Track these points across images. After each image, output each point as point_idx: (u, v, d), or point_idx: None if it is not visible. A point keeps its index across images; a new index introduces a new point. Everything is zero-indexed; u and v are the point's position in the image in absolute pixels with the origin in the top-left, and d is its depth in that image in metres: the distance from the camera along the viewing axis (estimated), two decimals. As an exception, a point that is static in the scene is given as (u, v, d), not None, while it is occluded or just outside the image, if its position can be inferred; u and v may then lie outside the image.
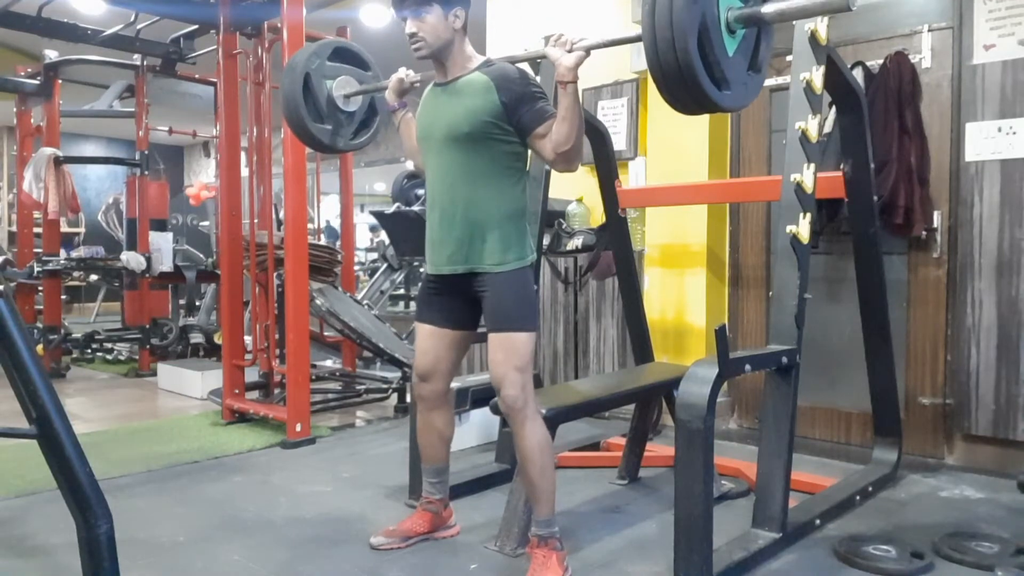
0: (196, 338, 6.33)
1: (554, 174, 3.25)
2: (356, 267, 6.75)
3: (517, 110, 2.16)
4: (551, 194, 3.37)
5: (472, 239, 2.24)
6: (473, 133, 2.20)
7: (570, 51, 2.03)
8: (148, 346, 6.02)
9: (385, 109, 2.63)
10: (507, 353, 2.19)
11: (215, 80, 5.09)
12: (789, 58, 2.89)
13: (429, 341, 2.42)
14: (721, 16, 1.75)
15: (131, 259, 5.91)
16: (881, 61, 3.47)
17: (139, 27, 5.33)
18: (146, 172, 6.22)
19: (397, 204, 5.62)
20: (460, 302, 2.35)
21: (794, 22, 2.70)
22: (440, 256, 2.31)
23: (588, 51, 2.04)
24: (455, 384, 3.47)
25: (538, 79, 2.35)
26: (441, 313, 2.40)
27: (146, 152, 6.19)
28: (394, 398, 4.69)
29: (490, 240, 2.23)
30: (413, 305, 8.92)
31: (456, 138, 2.23)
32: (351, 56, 2.76)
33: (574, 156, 2.15)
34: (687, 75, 1.70)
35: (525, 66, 2.36)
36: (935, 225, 3.42)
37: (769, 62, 1.94)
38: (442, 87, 2.31)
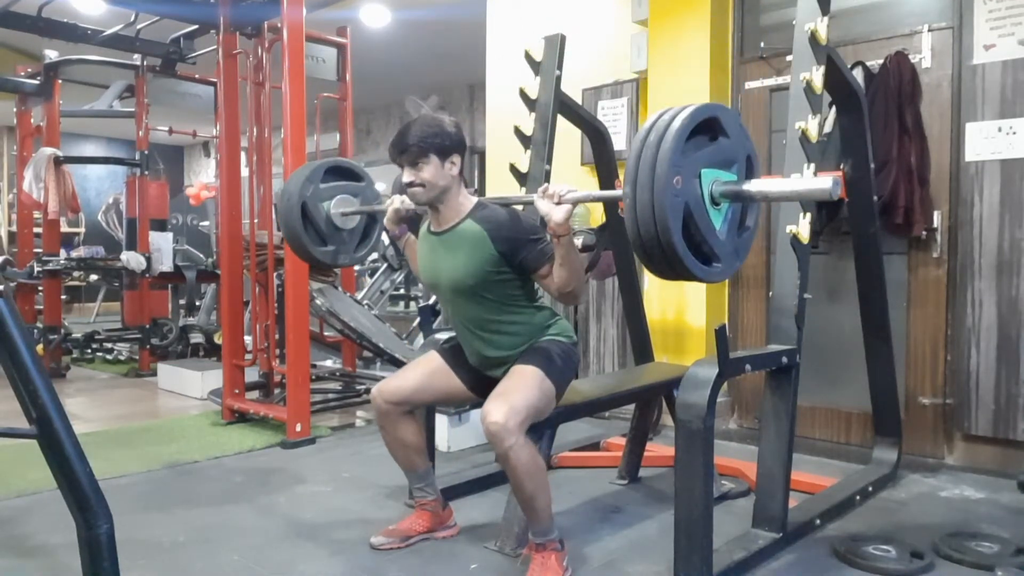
0: (196, 338, 6.33)
1: (554, 173, 3.25)
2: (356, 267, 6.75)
3: (515, 256, 2.20)
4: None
5: (508, 358, 2.32)
6: (478, 285, 2.25)
7: (558, 203, 2.02)
8: (148, 346, 6.02)
9: (383, 219, 2.62)
10: (516, 384, 2.18)
11: (215, 80, 5.10)
12: (789, 58, 2.89)
13: (429, 376, 2.43)
14: (705, 193, 1.72)
15: (131, 259, 5.91)
16: (881, 61, 3.47)
17: (139, 27, 5.33)
18: (146, 172, 6.22)
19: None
20: (491, 376, 2.38)
21: (794, 21, 2.71)
22: (481, 368, 2.42)
23: (575, 203, 2.05)
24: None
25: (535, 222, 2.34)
26: (466, 367, 2.44)
27: (146, 152, 6.19)
28: (394, 398, 4.68)
29: (525, 346, 2.31)
30: (413, 305, 8.92)
31: (462, 289, 2.28)
32: (343, 172, 2.78)
33: (579, 293, 2.21)
34: (673, 262, 1.70)
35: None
36: (935, 225, 3.42)
37: (758, 221, 1.92)
38: (438, 237, 2.33)
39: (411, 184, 2.24)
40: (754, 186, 1.79)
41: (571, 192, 2.03)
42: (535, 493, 2.14)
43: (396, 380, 2.42)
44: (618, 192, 1.81)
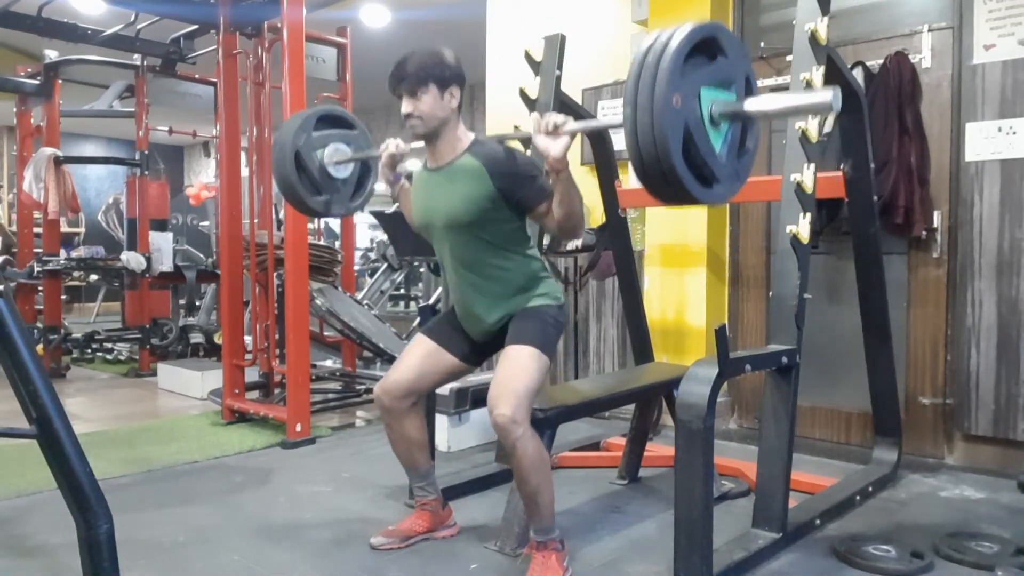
0: (196, 338, 6.33)
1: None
2: (356, 267, 6.75)
3: (514, 194, 2.18)
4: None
5: (495, 308, 2.29)
6: (473, 221, 2.22)
7: (555, 136, 1.97)
8: (148, 346, 6.02)
9: (378, 167, 2.61)
10: (515, 370, 2.16)
11: (215, 80, 5.09)
12: (789, 58, 2.89)
13: (423, 360, 2.41)
14: (705, 113, 1.71)
15: (131, 259, 5.91)
16: (881, 61, 3.47)
17: (139, 27, 5.33)
18: (146, 172, 6.22)
19: (397, 204, 5.61)
20: (481, 341, 2.38)
21: (794, 21, 2.71)
22: (469, 325, 2.39)
23: (573, 135, 2.02)
24: (455, 384, 3.49)
25: (528, 155, 2.32)
26: (454, 340, 2.42)
27: (146, 152, 6.19)
28: (394, 398, 4.68)
29: (514, 302, 2.29)
30: (413, 305, 8.92)
31: (457, 226, 2.25)
32: (336, 120, 2.74)
33: (577, 229, 2.19)
34: (673, 182, 1.67)
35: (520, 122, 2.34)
36: (935, 225, 3.42)
37: (758, 142, 1.90)
38: (434, 172, 2.31)
39: (409, 115, 2.22)
40: (753, 104, 1.77)
41: (568, 123, 1.99)
42: (539, 487, 2.15)
43: (394, 374, 2.41)
44: (616, 119, 1.79)
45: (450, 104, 2.23)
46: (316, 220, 5.77)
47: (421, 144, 2.35)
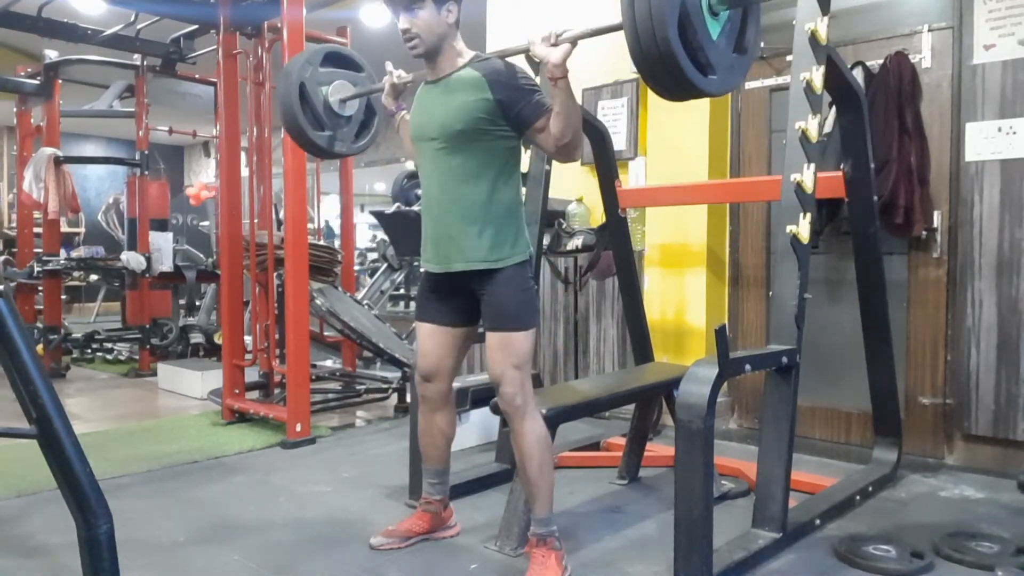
0: (196, 338, 6.33)
1: (554, 173, 3.25)
2: (356, 267, 6.75)
3: (513, 106, 2.15)
4: (551, 194, 3.36)
5: (467, 236, 2.22)
6: (467, 130, 2.18)
7: (555, 45, 2.01)
8: (148, 346, 6.02)
9: (383, 109, 2.62)
10: (505, 352, 2.18)
11: (215, 80, 5.09)
12: (789, 58, 2.89)
13: (431, 341, 2.41)
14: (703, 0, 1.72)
15: (131, 259, 5.91)
16: (881, 61, 3.47)
17: (139, 27, 5.34)
18: (146, 172, 6.22)
19: (397, 204, 5.62)
20: (459, 300, 2.34)
21: (794, 21, 2.71)
22: (436, 254, 2.31)
23: (574, 42, 2.01)
24: (455, 384, 3.49)
25: (536, 79, 2.33)
26: (440, 311, 2.39)
27: (146, 152, 6.19)
28: (394, 398, 4.69)
29: (485, 237, 2.21)
30: (413, 305, 8.92)
31: (449, 136, 2.21)
32: (343, 60, 2.75)
33: (575, 147, 2.15)
34: (669, 63, 1.66)
35: (520, 60, 2.35)
36: (935, 225, 3.42)
37: (759, 42, 1.90)
38: (434, 84, 2.30)
39: (406, 32, 2.20)
40: None
41: (568, 31, 1.99)
42: (542, 468, 2.18)
43: (421, 362, 2.43)
44: (615, 22, 1.79)
45: (447, 19, 2.23)
46: (316, 220, 5.77)
47: (423, 73, 2.34)
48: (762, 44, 3.90)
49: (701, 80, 1.73)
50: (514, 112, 2.15)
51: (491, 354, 2.21)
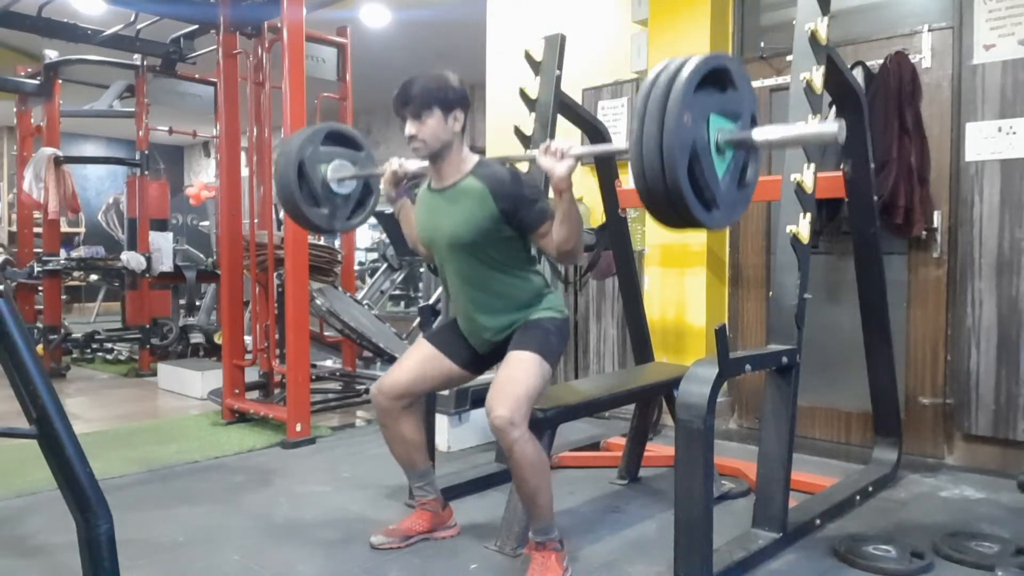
0: (196, 338, 6.33)
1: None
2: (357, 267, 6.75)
3: (516, 215, 2.20)
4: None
5: (498, 323, 2.31)
6: (476, 242, 2.24)
7: (561, 159, 2.02)
8: (148, 346, 6.02)
9: (379, 186, 2.63)
10: (516, 373, 2.17)
11: (215, 80, 5.09)
12: (789, 58, 2.89)
13: (422, 364, 2.42)
14: (711, 139, 1.72)
15: (131, 259, 5.91)
16: (881, 61, 3.47)
17: (139, 27, 5.33)
18: (146, 172, 6.22)
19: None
20: (482, 352, 2.39)
21: (794, 21, 2.71)
22: (472, 338, 2.40)
23: (578, 159, 2.04)
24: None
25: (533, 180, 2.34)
26: (455, 347, 2.42)
27: (146, 152, 6.19)
28: (394, 398, 4.68)
29: (516, 316, 2.31)
30: (413, 305, 8.92)
31: (461, 246, 2.27)
32: (343, 138, 2.75)
33: (577, 252, 2.21)
34: (676, 201, 1.67)
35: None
36: (935, 225, 3.42)
37: (757, 177, 1.92)
38: (438, 193, 2.32)
39: (413, 137, 2.23)
40: (759, 134, 1.78)
41: (573, 148, 2.02)
42: (538, 488, 2.15)
43: (392, 375, 2.41)
44: (622, 146, 1.80)
45: (454, 127, 2.25)
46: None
47: (424, 163, 2.37)
48: (762, 44, 3.91)
49: (705, 216, 1.74)
50: (517, 220, 2.20)
51: (501, 372, 2.21)
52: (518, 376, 2.16)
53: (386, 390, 2.39)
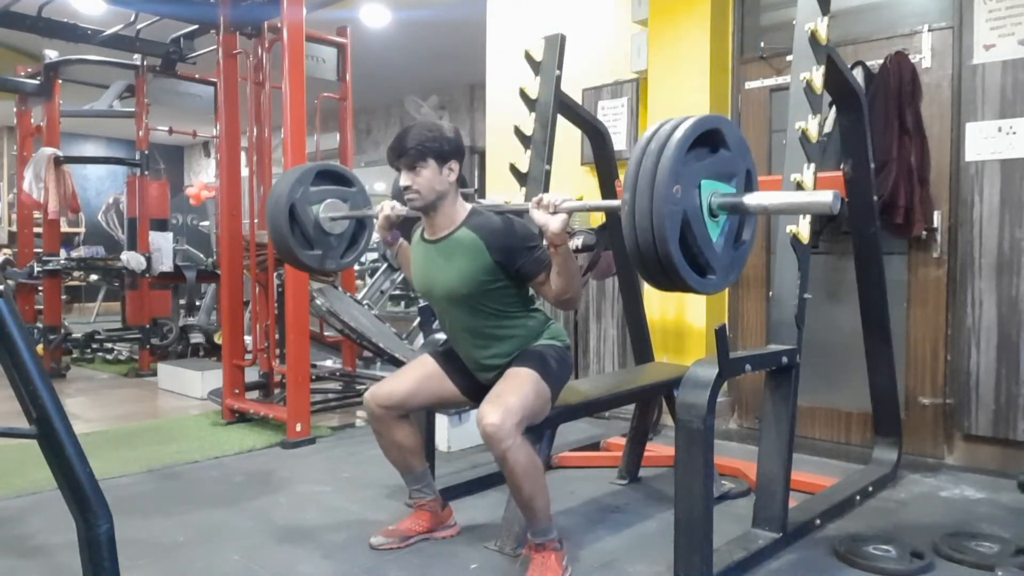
0: (196, 338, 6.33)
1: (554, 173, 3.25)
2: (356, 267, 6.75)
3: (513, 265, 2.20)
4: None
5: (500, 360, 2.31)
6: (473, 293, 2.24)
7: (554, 213, 2.00)
8: (148, 346, 6.02)
9: (372, 225, 2.62)
10: (511, 385, 2.17)
11: (215, 80, 5.09)
12: (789, 58, 2.89)
13: (422, 380, 2.42)
14: (704, 204, 1.72)
15: (131, 259, 5.91)
16: (881, 61, 3.47)
17: (139, 27, 5.33)
18: (146, 172, 6.22)
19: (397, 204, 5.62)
20: (485, 381, 2.38)
21: (794, 21, 2.71)
22: (473, 370, 2.41)
23: (571, 212, 2.03)
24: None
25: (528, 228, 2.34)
26: (460, 372, 2.43)
27: (146, 152, 6.19)
28: (394, 398, 4.68)
29: (521, 347, 2.31)
30: (413, 305, 8.91)
31: (456, 298, 2.27)
32: (334, 176, 2.73)
33: (576, 300, 2.23)
34: (669, 271, 1.69)
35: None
36: (935, 225, 3.42)
37: (754, 235, 1.91)
38: (432, 244, 2.32)
39: (408, 188, 2.23)
40: (753, 199, 1.78)
41: (566, 202, 2.01)
42: (533, 494, 2.14)
43: (389, 384, 2.41)
44: (615, 202, 1.80)
45: (448, 178, 2.25)
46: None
47: (419, 218, 2.38)
48: (762, 44, 3.91)
49: (699, 283, 1.75)
50: (514, 270, 2.21)
51: (499, 384, 2.20)
52: (512, 388, 2.16)
53: (380, 399, 2.39)
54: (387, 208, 2.42)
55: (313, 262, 2.66)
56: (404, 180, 2.23)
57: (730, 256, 1.83)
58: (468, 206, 2.32)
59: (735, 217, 1.82)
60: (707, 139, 1.74)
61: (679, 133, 1.67)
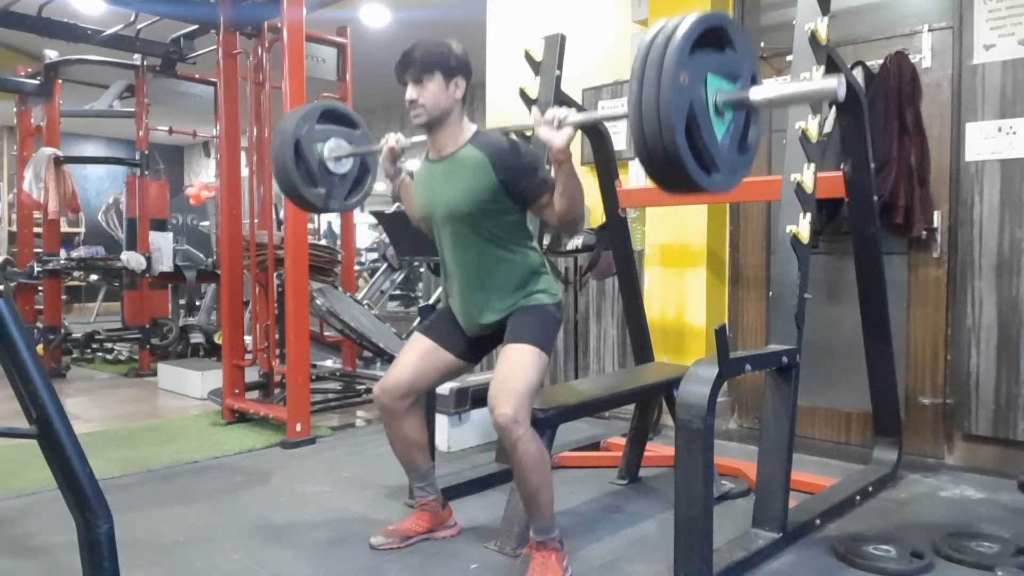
0: (196, 338, 6.33)
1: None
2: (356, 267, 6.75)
3: (517, 185, 2.18)
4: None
5: (494, 303, 2.28)
6: (474, 213, 2.22)
7: (559, 128, 1.98)
8: (148, 346, 6.02)
9: (377, 166, 2.62)
10: (515, 368, 2.16)
11: (215, 80, 5.09)
12: (789, 58, 2.89)
13: (421, 359, 2.40)
14: (709, 100, 1.71)
15: (131, 259, 5.91)
16: (881, 61, 3.47)
17: (139, 27, 5.33)
18: (146, 172, 6.22)
19: (397, 204, 5.63)
20: (477, 337, 2.38)
21: (794, 21, 2.71)
22: (466, 321, 2.37)
23: (576, 127, 2.02)
24: (455, 384, 3.49)
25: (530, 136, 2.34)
26: (451, 338, 2.41)
27: (146, 152, 6.19)
28: (394, 398, 4.68)
29: (512, 298, 2.28)
30: (413, 305, 8.91)
31: (457, 218, 2.25)
32: (339, 117, 2.74)
33: (579, 223, 2.20)
34: (675, 163, 1.66)
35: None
36: (935, 225, 3.42)
37: (759, 140, 1.91)
38: (436, 163, 2.31)
39: (413, 103, 2.22)
40: (757, 92, 1.76)
41: (571, 116, 2.00)
42: (539, 486, 2.15)
43: (393, 374, 2.40)
44: (620, 111, 1.79)
45: (454, 94, 2.23)
46: (316, 220, 5.77)
47: (422, 138, 2.35)
48: (762, 44, 3.91)
49: (704, 179, 1.73)
50: (518, 191, 2.19)
51: (499, 367, 2.20)
52: (517, 372, 2.15)
53: (389, 389, 2.38)
54: (391, 140, 2.42)
55: (317, 200, 2.66)
56: (410, 93, 2.22)
57: (735, 158, 1.81)
58: (473, 126, 2.31)
59: (740, 116, 1.81)
60: (713, 37, 1.71)
61: (686, 25, 1.64)
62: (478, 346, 2.43)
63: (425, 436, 2.52)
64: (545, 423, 2.40)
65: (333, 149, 2.64)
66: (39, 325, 6.14)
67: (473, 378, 3.62)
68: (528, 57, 3.35)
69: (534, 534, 2.22)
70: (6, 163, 11.47)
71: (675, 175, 1.70)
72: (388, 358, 4.68)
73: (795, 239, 2.51)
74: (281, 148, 2.56)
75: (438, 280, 6.76)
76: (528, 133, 2.55)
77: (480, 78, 5.08)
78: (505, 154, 2.19)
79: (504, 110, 4.56)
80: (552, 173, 2.12)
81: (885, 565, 2.28)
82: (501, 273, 2.28)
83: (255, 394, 4.54)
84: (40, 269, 6.03)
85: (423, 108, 2.21)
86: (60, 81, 6.13)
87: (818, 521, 2.63)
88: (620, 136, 4.26)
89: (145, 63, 5.94)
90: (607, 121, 1.90)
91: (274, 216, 4.64)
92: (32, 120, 6.40)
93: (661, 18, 1.73)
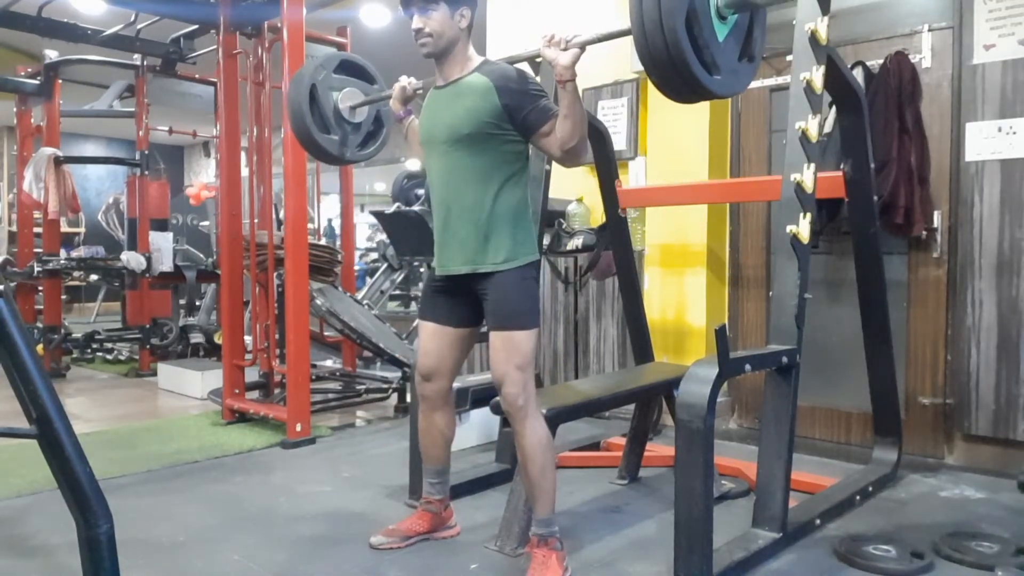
0: (196, 338, 6.33)
1: (554, 173, 3.26)
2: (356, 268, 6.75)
3: (520, 111, 2.17)
4: (551, 194, 3.36)
5: (476, 239, 2.24)
6: (474, 134, 2.21)
7: (565, 49, 2.03)
8: (148, 346, 6.02)
9: (392, 120, 2.66)
10: (508, 351, 2.19)
11: (215, 80, 5.09)
12: (789, 58, 2.89)
13: (433, 340, 2.42)
14: (711, 1, 1.73)
15: (131, 259, 5.91)
16: (881, 61, 3.47)
17: (139, 27, 5.34)
18: (146, 172, 6.22)
19: (397, 204, 5.63)
20: (464, 300, 2.35)
21: (794, 21, 2.71)
22: (445, 256, 2.32)
23: (583, 47, 2.04)
24: (455, 384, 3.49)
25: (539, 79, 2.35)
26: (445, 311, 2.40)
27: (146, 152, 6.19)
28: (394, 398, 4.69)
29: (494, 239, 2.23)
30: (413, 305, 8.92)
31: (458, 140, 2.23)
32: (357, 69, 2.78)
33: (581, 151, 2.17)
34: (676, 60, 1.67)
35: (525, 66, 2.38)
36: (935, 225, 3.42)
37: (763, 51, 1.92)
38: (442, 89, 2.32)
39: (419, 32, 2.23)
40: None
41: (577, 37, 2.02)
42: (544, 469, 2.18)
43: (420, 362, 2.43)
44: (625, 27, 1.82)
45: (459, 24, 2.25)
46: (316, 220, 5.76)
47: (432, 80, 2.37)
48: (762, 44, 3.91)
49: (707, 78, 1.74)
50: (521, 117, 2.18)
51: (494, 354, 2.22)
52: (511, 354, 2.18)
53: (424, 373, 2.43)
54: (403, 80, 2.49)
55: (331, 147, 2.70)
56: (416, 22, 2.23)
57: (736, 64, 1.82)
58: (480, 57, 2.32)
59: (744, 22, 1.82)
60: None
61: None
62: (467, 310, 2.37)
63: (452, 433, 2.54)
64: (546, 423, 2.40)
65: (348, 98, 2.69)
66: (39, 325, 6.15)
67: (473, 378, 3.61)
68: (530, 61, 3.34)
69: (536, 527, 2.23)
70: (6, 163, 11.47)
71: (678, 74, 1.71)
72: (388, 358, 4.68)
73: (795, 239, 2.51)
74: (297, 92, 2.61)
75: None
76: (538, 60, 2.57)
77: (480, 78, 5.11)
78: (511, 80, 2.20)
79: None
80: (557, 92, 2.12)
81: (885, 565, 2.28)
82: (485, 206, 2.22)
83: (255, 394, 4.54)
84: (40, 269, 6.02)
85: (429, 38, 2.23)
86: (60, 81, 6.13)
87: (818, 521, 2.63)
88: (620, 136, 4.26)
89: (145, 63, 5.94)
90: (609, 40, 1.89)
91: (274, 216, 4.64)
92: (32, 120, 6.40)
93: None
